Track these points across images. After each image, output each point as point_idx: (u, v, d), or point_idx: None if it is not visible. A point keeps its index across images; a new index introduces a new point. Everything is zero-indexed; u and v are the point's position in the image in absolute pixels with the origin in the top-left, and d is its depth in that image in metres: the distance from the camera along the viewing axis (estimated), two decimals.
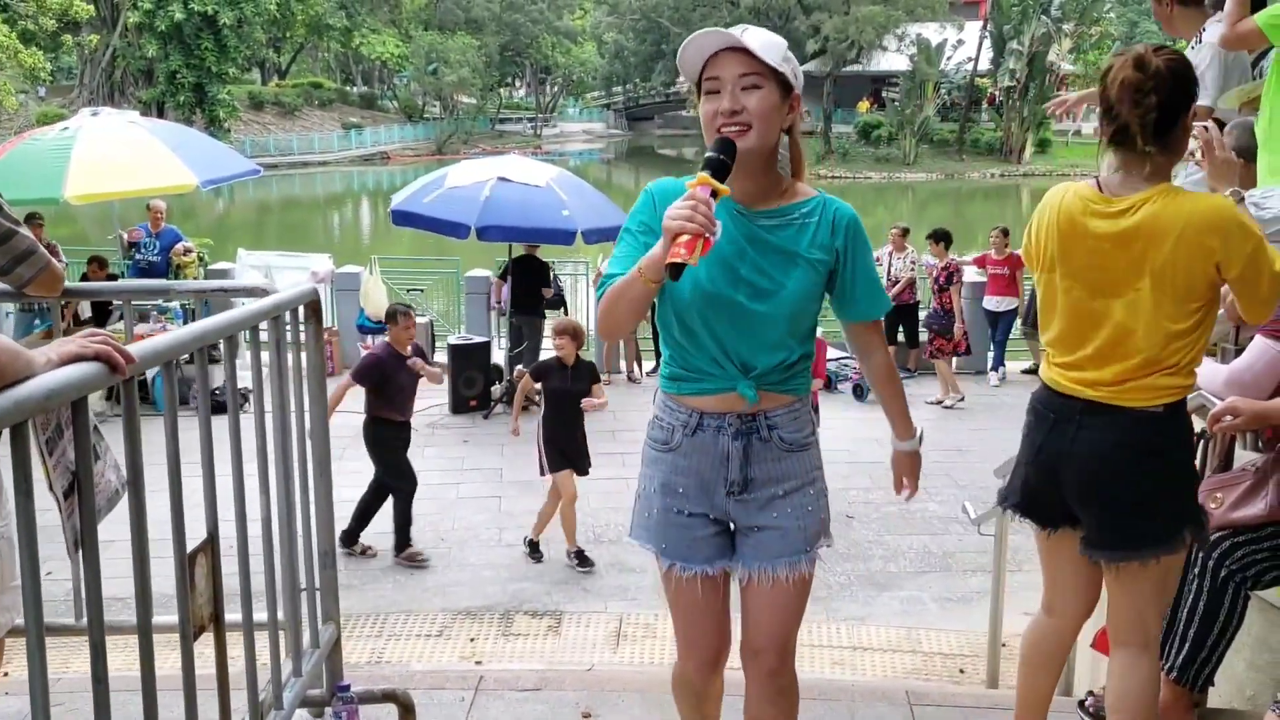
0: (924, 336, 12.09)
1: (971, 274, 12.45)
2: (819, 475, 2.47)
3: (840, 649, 5.95)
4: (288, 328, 2.60)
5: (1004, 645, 5.59)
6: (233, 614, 2.22)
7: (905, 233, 12.38)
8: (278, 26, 50.27)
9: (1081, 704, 3.25)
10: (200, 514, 2.11)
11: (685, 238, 2.01)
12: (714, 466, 2.39)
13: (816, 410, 7.35)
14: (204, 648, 2.10)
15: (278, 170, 46.87)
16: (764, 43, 2.24)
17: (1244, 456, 3.02)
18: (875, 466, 8.10)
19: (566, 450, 6.96)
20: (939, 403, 11.16)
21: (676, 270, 2.01)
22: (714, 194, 2.08)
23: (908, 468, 2.65)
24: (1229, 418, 2.76)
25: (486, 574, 6.84)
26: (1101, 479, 2.58)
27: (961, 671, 5.70)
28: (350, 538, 7.02)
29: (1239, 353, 2.98)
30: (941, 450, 9.28)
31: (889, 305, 2.50)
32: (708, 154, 2.16)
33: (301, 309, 2.66)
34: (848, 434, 9.09)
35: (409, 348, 7.11)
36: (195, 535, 2.08)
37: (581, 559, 6.93)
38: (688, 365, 2.38)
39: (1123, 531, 2.59)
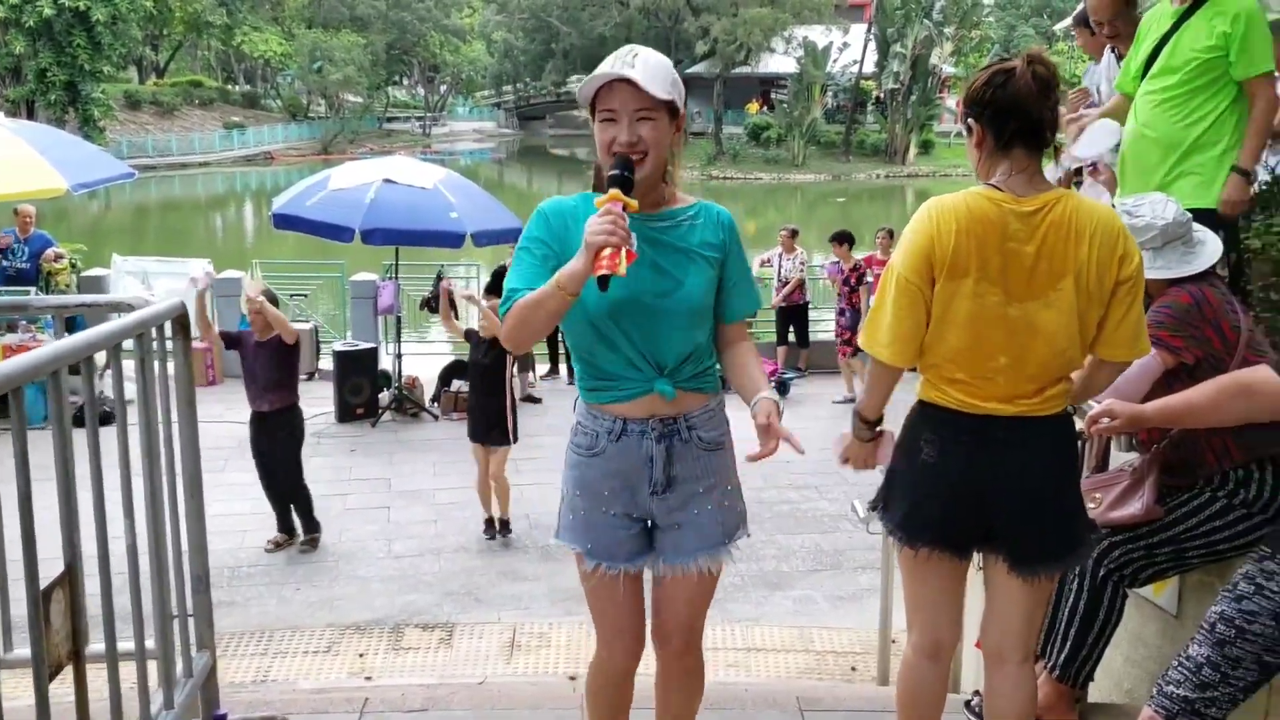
0: (831, 336, 12.27)
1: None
2: (733, 472, 2.63)
3: (735, 651, 5.96)
4: (154, 343, 2.48)
5: (894, 641, 5.68)
6: (99, 644, 2.11)
7: (794, 234, 12.53)
8: (154, 23, 48.71)
9: (968, 704, 3.29)
10: (69, 540, 1.99)
11: (609, 251, 2.16)
12: (638, 469, 2.51)
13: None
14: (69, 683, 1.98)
15: (156, 171, 45.42)
16: (653, 75, 2.34)
17: (1120, 458, 3.09)
18: (767, 466, 8.14)
19: (478, 424, 7.14)
20: (848, 400, 11.25)
21: (605, 281, 2.18)
22: (624, 208, 2.24)
23: (774, 409, 2.50)
24: (1106, 420, 2.82)
25: (375, 587, 6.69)
26: (1043, 493, 2.55)
27: (853, 669, 5.76)
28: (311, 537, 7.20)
29: None
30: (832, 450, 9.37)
31: (760, 303, 2.66)
32: (612, 171, 2.30)
33: (169, 324, 2.54)
34: (739, 434, 9.14)
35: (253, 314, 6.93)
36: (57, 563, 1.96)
37: (491, 527, 7.33)
38: (605, 374, 2.50)
39: (1060, 541, 2.59)
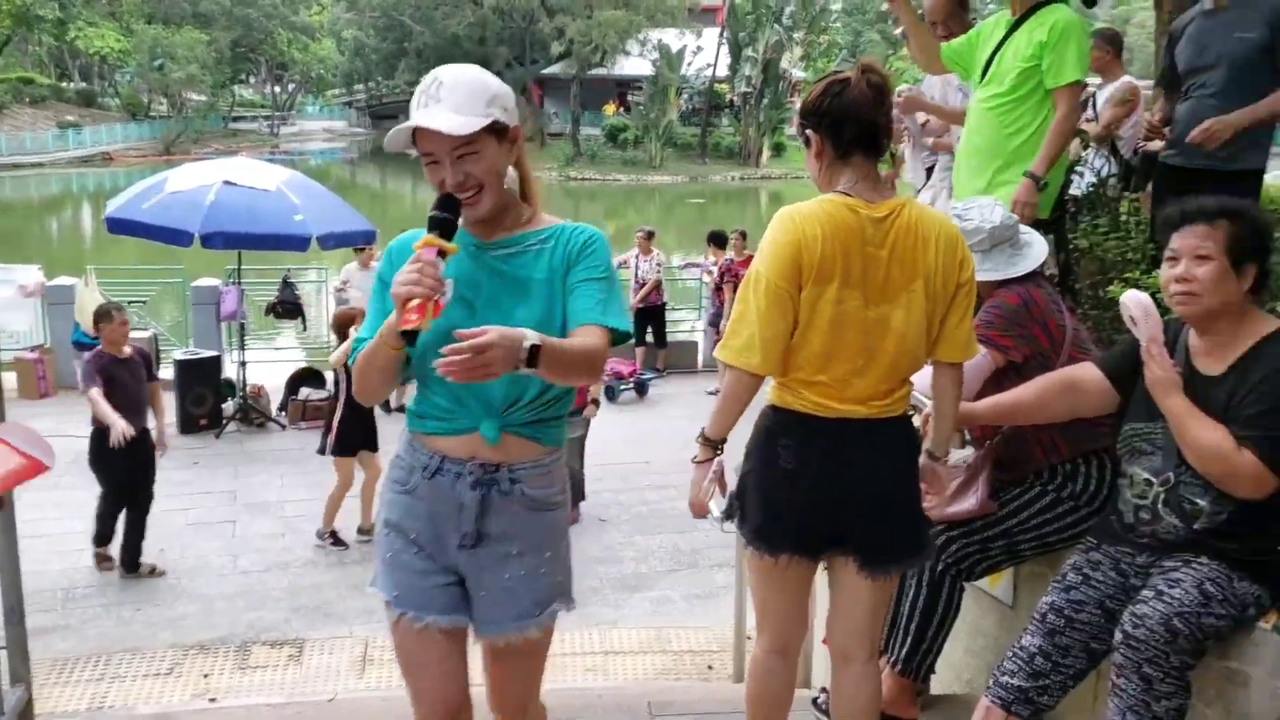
0: (689, 337, 12.43)
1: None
2: (561, 539, 2.37)
3: (592, 655, 5.94)
4: None
5: (749, 639, 5.74)
6: None
7: (650, 235, 12.60)
8: None
9: (815, 701, 3.32)
10: None
11: (415, 302, 1.98)
12: (448, 515, 2.27)
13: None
14: None
15: None
16: (461, 104, 2.14)
17: (956, 455, 3.16)
18: (626, 468, 8.19)
19: (355, 434, 7.06)
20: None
21: (410, 336, 1.99)
22: (442, 253, 2.06)
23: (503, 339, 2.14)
24: None
25: (220, 604, 6.45)
26: (895, 494, 2.62)
27: (710, 668, 5.81)
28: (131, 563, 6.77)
29: None
30: (691, 449, 9.43)
31: (628, 331, 2.28)
32: (431, 213, 2.10)
33: None
34: (598, 435, 9.14)
35: (127, 350, 6.66)
36: None
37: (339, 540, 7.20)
38: (432, 403, 2.28)
39: (910, 540, 2.67)
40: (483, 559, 2.29)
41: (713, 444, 2.69)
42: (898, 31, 5.11)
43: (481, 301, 2.23)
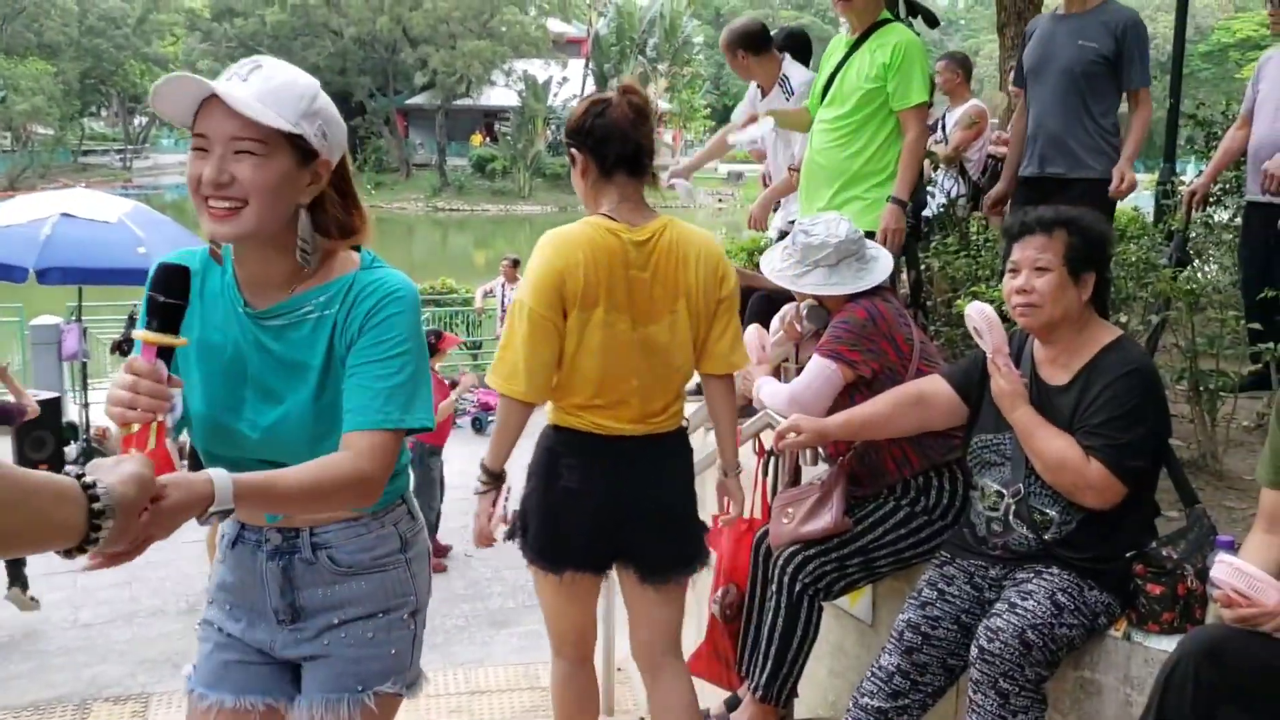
0: None
1: None
2: (398, 604, 2.02)
3: (458, 695, 5.75)
4: None
5: (619, 670, 5.63)
6: None
7: (516, 263, 12.54)
8: None
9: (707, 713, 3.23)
10: None
11: (135, 427, 1.56)
12: (257, 588, 2.00)
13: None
14: None
15: None
16: (268, 95, 1.73)
17: (811, 472, 3.12)
18: None
19: None
20: None
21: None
22: (163, 353, 1.61)
23: None
24: (793, 435, 2.84)
25: (58, 660, 6.07)
26: (675, 507, 2.78)
27: None
28: None
29: (800, 372, 3.09)
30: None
31: (418, 418, 1.85)
32: (149, 294, 1.62)
33: None
34: (463, 470, 8.96)
35: None
36: None
37: None
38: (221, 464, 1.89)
39: (685, 548, 2.82)
40: (303, 633, 2.00)
41: (493, 474, 2.73)
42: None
43: (250, 387, 1.89)
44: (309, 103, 1.79)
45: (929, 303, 4.70)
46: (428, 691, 5.74)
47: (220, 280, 1.90)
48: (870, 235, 3.55)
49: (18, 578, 6.37)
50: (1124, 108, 4.25)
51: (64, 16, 54.00)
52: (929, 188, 5.77)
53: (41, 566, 7.34)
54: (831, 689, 3.43)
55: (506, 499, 2.79)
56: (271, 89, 1.75)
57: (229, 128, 1.72)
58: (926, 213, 5.40)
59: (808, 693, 3.33)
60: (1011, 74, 7.32)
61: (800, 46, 5.24)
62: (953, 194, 6.10)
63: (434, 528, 7.48)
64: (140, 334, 1.62)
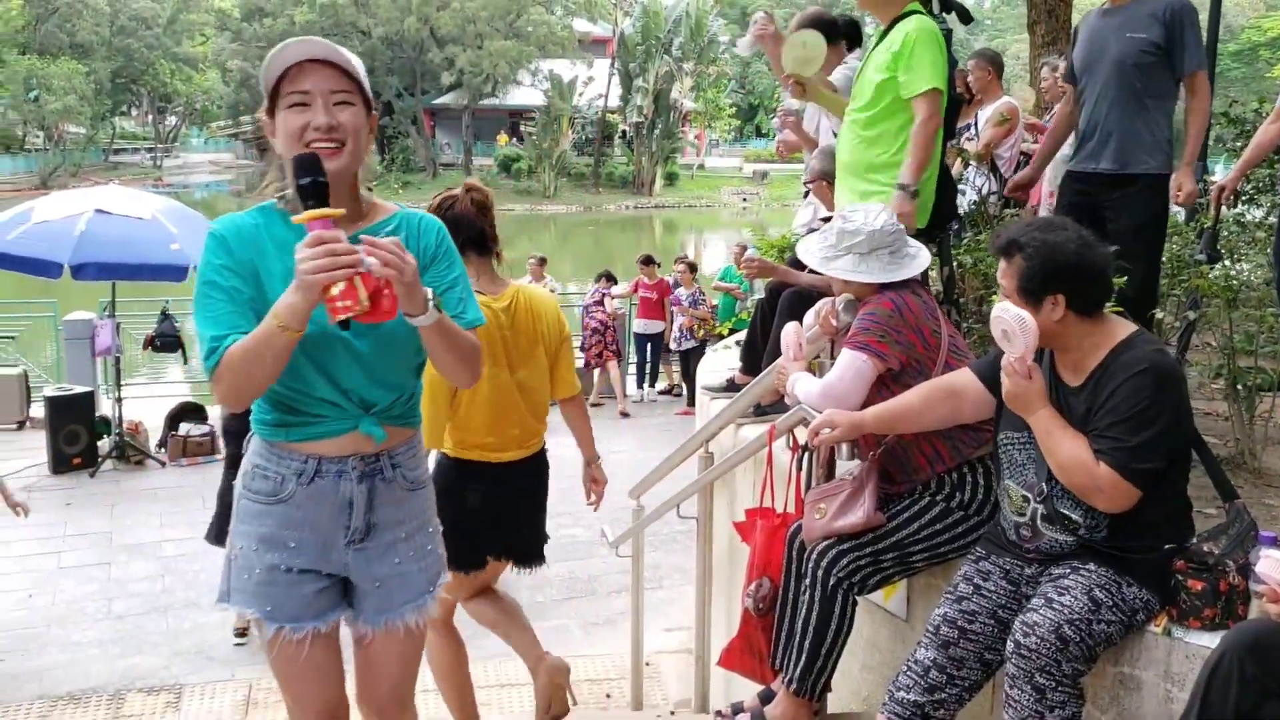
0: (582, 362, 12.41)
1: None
2: (434, 512, 2.44)
3: (487, 688, 5.78)
4: None
5: (648, 664, 5.65)
6: None
7: (543, 262, 12.61)
8: None
9: (719, 712, 3.24)
10: None
11: (339, 287, 1.89)
12: (334, 515, 2.24)
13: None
14: None
15: None
16: (349, 58, 2.15)
17: (844, 466, 3.12)
18: None
19: None
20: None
21: (347, 324, 1.94)
22: (331, 221, 1.97)
23: None
24: (827, 430, 2.84)
25: (93, 652, 6.13)
26: (539, 510, 3.71)
27: (608, 696, 5.70)
28: None
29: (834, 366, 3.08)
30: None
31: (480, 318, 2.34)
32: (301, 182, 1.98)
33: None
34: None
35: None
36: None
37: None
38: (299, 408, 2.19)
39: (542, 540, 3.75)
40: (371, 551, 2.30)
41: None
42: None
43: None
44: (361, 67, 2.19)
45: (961, 299, 4.68)
46: None
47: (284, 225, 2.19)
48: None
49: None
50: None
51: (96, 17, 54.54)
52: (960, 185, 5.74)
53: (74, 559, 7.45)
54: (865, 684, 3.43)
55: None
56: (345, 54, 2.14)
57: (330, 83, 2.11)
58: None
59: (841, 687, 3.33)
60: (1043, 70, 7.30)
61: (857, 36, 5.28)
62: (984, 191, 6.07)
63: None
64: (312, 213, 1.95)
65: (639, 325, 12.73)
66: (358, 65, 2.15)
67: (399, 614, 2.34)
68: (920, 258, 3.12)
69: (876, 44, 3.95)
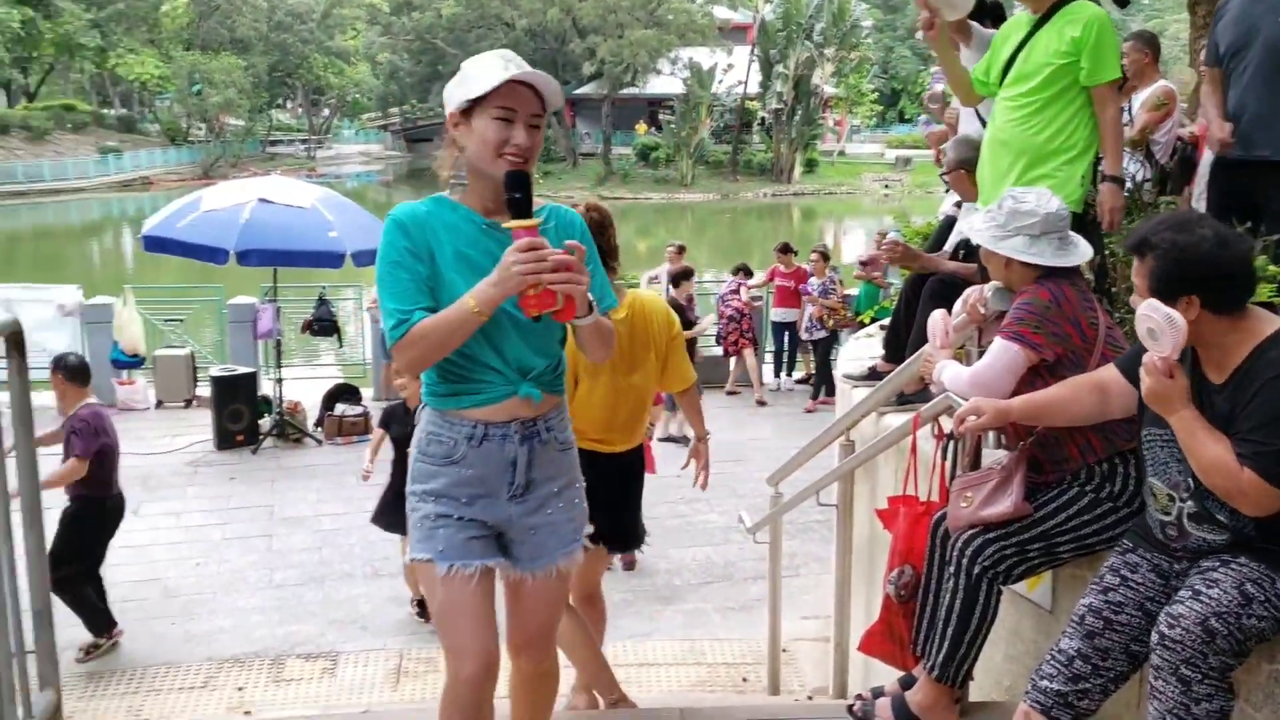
0: (718, 350, 12.45)
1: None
2: (579, 472, 2.70)
3: (626, 667, 5.90)
4: None
5: (784, 650, 5.68)
6: None
7: (682, 250, 12.61)
8: (23, 45, 46.81)
9: (850, 709, 3.27)
10: None
11: (539, 288, 2.22)
12: (499, 473, 2.50)
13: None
14: None
15: (26, 198, 43.81)
16: (559, 90, 2.45)
17: (991, 455, 3.11)
18: (658, 481, 8.04)
19: None
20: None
21: (540, 317, 2.28)
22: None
23: None
24: (973, 417, 2.84)
25: (255, 618, 6.48)
26: (637, 498, 3.99)
27: (745, 680, 5.76)
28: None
29: (982, 356, 3.08)
30: (721, 461, 9.35)
31: (615, 302, 2.66)
32: (514, 195, 2.31)
33: (1, 341, 2.38)
34: None
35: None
36: None
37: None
38: (466, 378, 2.46)
39: (636, 528, 4.04)
40: (530, 504, 2.56)
41: None
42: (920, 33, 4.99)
43: None
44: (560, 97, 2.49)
45: (1114, 289, 4.57)
46: None
47: (453, 212, 2.45)
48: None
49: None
50: None
51: (255, 13, 56.83)
52: None
53: (238, 530, 7.87)
54: (1007, 674, 3.41)
55: None
56: (556, 88, 2.43)
57: (531, 107, 2.38)
58: None
59: (983, 677, 3.32)
60: (1203, 52, 7.02)
61: (998, 19, 5.19)
62: (1139, 178, 5.89)
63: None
64: (520, 222, 2.26)
65: (775, 314, 12.56)
66: (557, 97, 2.42)
67: (551, 558, 2.59)
68: (1083, 248, 3.09)
69: (1034, 28, 3.90)
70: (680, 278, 11.09)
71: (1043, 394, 2.85)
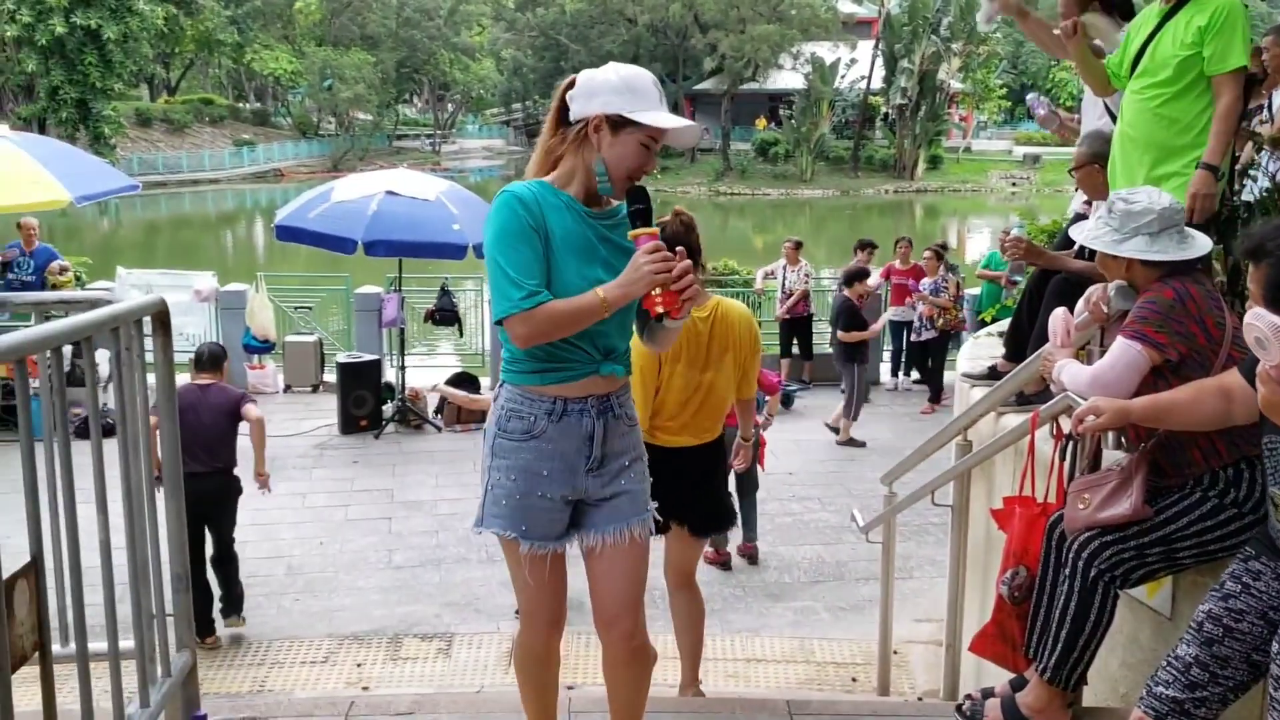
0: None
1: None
2: (644, 448, 2.84)
3: (734, 662, 5.93)
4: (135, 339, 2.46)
5: (895, 653, 5.63)
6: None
7: (799, 246, 12.51)
8: (166, 41, 48.74)
9: (959, 708, 3.24)
10: (34, 533, 1.98)
11: (660, 291, 2.40)
12: (578, 447, 2.64)
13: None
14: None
15: (166, 188, 45.65)
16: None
17: (1111, 457, 3.05)
18: (770, 478, 8.09)
19: None
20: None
21: (661, 316, 2.43)
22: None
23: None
24: (1091, 418, 2.79)
25: (375, 598, 6.69)
26: (713, 489, 4.14)
27: (854, 680, 5.72)
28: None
29: (1104, 355, 3.02)
30: (835, 460, 9.35)
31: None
32: (639, 206, 2.50)
33: (148, 320, 2.52)
34: None
35: (204, 379, 6.15)
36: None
37: None
38: (553, 357, 2.58)
39: (718, 516, 4.25)
40: (605, 476, 2.69)
41: None
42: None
43: (601, 264, 2.59)
44: None
45: (1246, 292, 4.42)
46: (707, 655, 6.00)
47: (557, 199, 2.58)
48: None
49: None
50: None
51: (384, 10, 58.30)
52: (1251, 170, 5.40)
53: (360, 512, 8.12)
54: (1123, 681, 3.34)
55: None
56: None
57: (661, 139, 2.58)
58: (1247, 196, 5.07)
59: (1097, 683, 3.26)
60: (1266, 39, 6.68)
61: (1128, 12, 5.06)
62: (1278, 177, 5.67)
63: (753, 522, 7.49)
64: (643, 230, 2.46)
65: (892, 312, 12.17)
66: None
67: (626, 523, 2.71)
68: (1201, 240, 3.01)
69: (1164, 19, 3.80)
70: (854, 277, 10.64)
71: (1165, 396, 2.79)
